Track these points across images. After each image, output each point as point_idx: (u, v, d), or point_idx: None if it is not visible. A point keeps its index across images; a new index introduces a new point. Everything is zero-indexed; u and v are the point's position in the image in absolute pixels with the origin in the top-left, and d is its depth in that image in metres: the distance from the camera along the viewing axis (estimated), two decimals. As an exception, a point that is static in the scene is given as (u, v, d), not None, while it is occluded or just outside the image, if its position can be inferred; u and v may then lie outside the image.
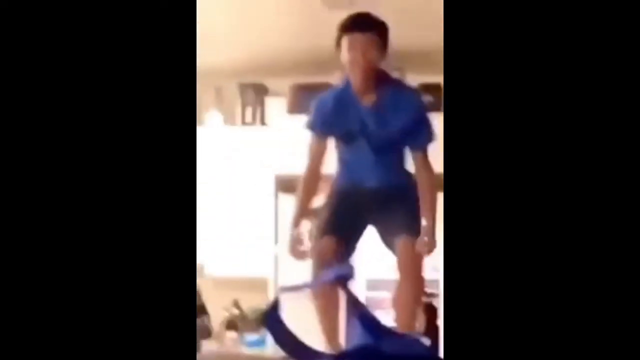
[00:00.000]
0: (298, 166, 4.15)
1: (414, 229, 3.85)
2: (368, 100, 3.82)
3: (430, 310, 5.27)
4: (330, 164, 4.06)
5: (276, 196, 6.47)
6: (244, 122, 6.88)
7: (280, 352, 1.27)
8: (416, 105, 3.95)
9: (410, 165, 3.99)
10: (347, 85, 3.88)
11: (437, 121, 3.96)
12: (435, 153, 5.05)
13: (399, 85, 3.97)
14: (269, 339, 1.23)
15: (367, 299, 5.16)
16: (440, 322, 5.34)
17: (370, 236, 4.02)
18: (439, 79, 6.51)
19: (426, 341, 4.87)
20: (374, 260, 4.20)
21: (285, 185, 6.27)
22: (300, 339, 1.26)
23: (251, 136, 6.74)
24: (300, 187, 4.02)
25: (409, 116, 3.84)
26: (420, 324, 4.93)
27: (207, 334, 4.98)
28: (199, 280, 5.35)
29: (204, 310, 5.08)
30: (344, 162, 4.02)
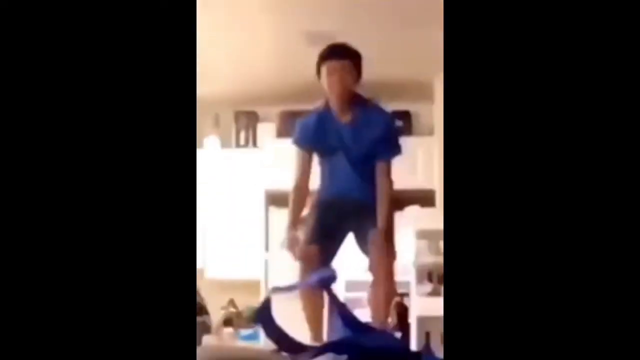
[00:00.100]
0: (286, 183, 4.20)
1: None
2: (345, 119, 3.90)
3: (402, 308, 5.28)
4: (314, 180, 4.08)
5: (267, 209, 6.48)
6: (238, 145, 6.90)
7: (271, 345, 1.26)
8: (386, 122, 4.01)
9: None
10: (327, 106, 3.96)
11: (404, 144, 4.09)
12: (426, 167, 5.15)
13: (371, 105, 4.02)
14: (261, 333, 1.23)
15: (346, 298, 5.14)
16: (410, 318, 5.34)
17: (349, 242, 4.04)
18: (408, 106, 6.55)
19: (398, 335, 4.87)
20: (352, 264, 4.20)
21: (274, 199, 6.28)
22: (289, 334, 1.25)
23: (245, 157, 6.78)
24: (291, 197, 4.04)
25: (379, 131, 3.90)
26: (392, 320, 4.92)
27: (207, 329, 4.96)
28: (199, 282, 5.33)
29: (204, 310, 5.06)
30: (325, 176, 4.05)
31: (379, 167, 3.92)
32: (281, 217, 5.33)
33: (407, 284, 5.36)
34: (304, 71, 4.08)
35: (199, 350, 0.95)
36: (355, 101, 3.93)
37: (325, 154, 4.00)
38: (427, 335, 5.40)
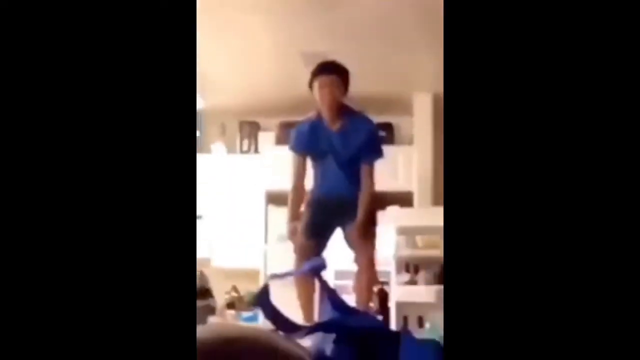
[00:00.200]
0: (283, 184, 4.28)
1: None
2: (334, 127, 3.93)
3: (383, 294, 5.27)
4: (309, 182, 4.11)
5: (266, 207, 6.47)
6: (242, 151, 6.90)
7: (269, 325, 1.26)
8: (370, 129, 4.04)
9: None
10: (318, 116, 4.00)
11: (386, 152, 4.15)
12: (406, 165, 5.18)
13: (357, 114, 4.05)
14: (260, 315, 1.22)
15: (335, 285, 5.13)
16: (391, 304, 5.34)
17: (338, 237, 4.06)
18: (390, 119, 6.55)
19: (379, 317, 4.87)
20: (340, 256, 4.22)
21: (273, 198, 6.28)
22: (284, 315, 1.25)
23: (247, 162, 6.77)
24: (290, 196, 4.09)
25: (364, 137, 3.94)
26: (375, 304, 4.93)
27: (212, 311, 4.95)
28: (206, 270, 5.32)
29: (210, 294, 5.04)
30: (317, 177, 4.07)
31: (364, 168, 3.94)
32: (279, 214, 5.34)
33: (387, 273, 5.37)
34: (300, 87, 4.09)
35: (205, 327, 0.95)
36: (344, 111, 3.97)
37: (318, 158, 4.03)
38: (405, 318, 5.40)
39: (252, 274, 6.10)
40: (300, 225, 3.98)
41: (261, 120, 6.86)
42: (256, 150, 6.83)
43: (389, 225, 5.20)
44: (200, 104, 6.46)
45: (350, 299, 3.92)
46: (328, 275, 5.26)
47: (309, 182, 4.13)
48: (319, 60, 4.15)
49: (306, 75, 4.07)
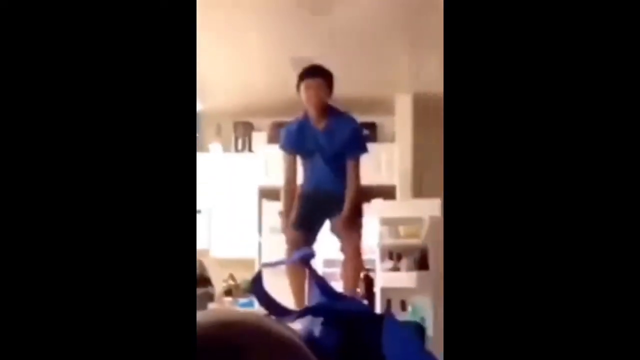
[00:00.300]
0: (275, 180, 4.35)
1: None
2: (320, 126, 3.94)
3: (368, 280, 5.29)
4: (299, 177, 4.13)
5: (260, 201, 6.47)
6: (236, 150, 6.89)
7: (263, 311, 1.26)
8: (353, 127, 4.05)
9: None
10: (305, 116, 4.01)
11: (370, 149, 4.19)
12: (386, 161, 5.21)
13: (341, 114, 4.06)
14: (256, 301, 1.24)
15: (324, 273, 5.15)
16: (375, 289, 5.35)
17: (326, 227, 4.07)
18: (374, 119, 6.56)
19: (365, 301, 4.88)
20: (329, 245, 4.23)
21: (266, 194, 6.27)
22: (277, 301, 1.25)
23: (242, 160, 6.77)
24: (282, 191, 4.11)
25: (348, 135, 3.95)
26: (361, 290, 4.94)
27: (211, 298, 4.95)
28: (205, 260, 5.32)
29: (209, 282, 5.04)
30: (307, 173, 4.08)
31: (349, 164, 3.95)
32: (271, 208, 5.34)
33: (372, 261, 5.37)
34: (290, 90, 4.09)
35: (203, 313, 0.95)
36: (329, 111, 3.99)
37: (306, 156, 4.05)
38: (389, 301, 5.41)
39: (248, 263, 6.09)
40: (290, 218, 3.99)
41: (254, 121, 6.86)
42: (250, 149, 6.83)
43: (373, 216, 5.20)
44: (198, 106, 6.45)
45: (338, 285, 3.94)
46: (317, 263, 5.27)
47: (299, 178, 4.14)
48: (307, 63, 4.16)
49: (295, 79, 4.07)
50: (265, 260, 6.04)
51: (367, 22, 4.72)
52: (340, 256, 4.08)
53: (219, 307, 4.85)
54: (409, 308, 5.36)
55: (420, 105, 6.23)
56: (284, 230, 4.00)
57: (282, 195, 4.09)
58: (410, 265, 5.41)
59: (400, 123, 6.34)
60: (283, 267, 3.90)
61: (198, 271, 5.03)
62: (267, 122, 6.67)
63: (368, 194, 4.83)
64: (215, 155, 6.81)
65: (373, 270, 5.39)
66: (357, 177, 3.96)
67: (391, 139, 6.46)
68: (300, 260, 2.51)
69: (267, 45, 5.17)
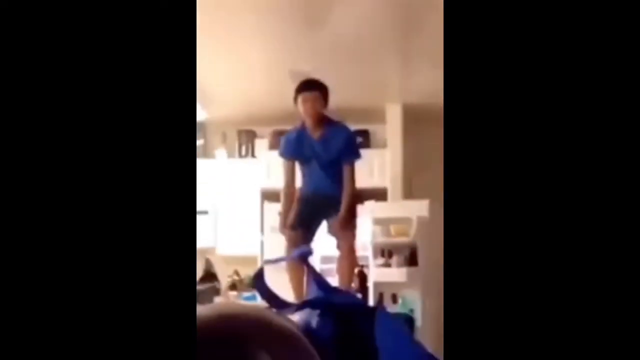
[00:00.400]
0: (276, 183, 4.37)
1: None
2: (317, 135, 3.95)
3: (362, 276, 5.28)
4: (297, 181, 4.14)
5: (262, 203, 6.46)
6: (240, 155, 6.88)
7: (265, 304, 1.26)
8: (347, 135, 4.06)
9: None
10: (303, 126, 4.02)
11: (363, 155, 4.22)
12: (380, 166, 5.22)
13: (336, 123, 4.07)
14: (258, 295, 1.23)
15: (321, 269, 5.14)
16: (369, 283, 5.34)
17: (323, 226, 4.07)
18: (367, 126, 6.55)
19: (359, 295, 4.88)
20: (326, 243, 4.23)
21: (267, 196, 6.26)
22: (277, 295, 1.24)
23: (245, 165, 6.75)
24: (282, 194, 4.13)
25: (343, 143, 3.96)
26: (355, 284, 4.93)
27: (217, 292, 4.94)
28: (212, 257, 5.31)
29: (215, 277, 5.03)
30: (304, 178, 4.09)
31: (345, 169, 3.97)
32: (273, 209, 5.34)
33: (366, 257, 5.37)
34: (290, 100, 4.09)
35: (208, 306, 0.94)
36: (324, 121, 4.00)
37: (304, 162, 4.06)
38: (381, 295, 5.40)
39: (251, 260, 6.08)
40: (290, 219, 3.99)
41: (257, 129, 6.85)
42: (253, 155, 6.82)
43: (366, 216, 5.20)
44: (204, 115, 6.45)
45: (334, 280, 3.94)
46: (315, 260, 5.26)
47: (298, 182, 4.16)
48: (305, 76, 4.17)
49: (293, 90, 4.08)
50: (267, 257, 6.03)
51: (361, 39, 4.73)
52: (336, 253, 4.08)
53: (224, 300, 4.84)
54: (400, 301, 5.36)
55: (409, 114, 6.24)
56: (281, 229, 4.01)
57: (281, 197, 4.11)
58: (401, 261, 5.41)
59: (391, 130, 6.34)
60: (283, 264, 3.90)
61: (205, 267, 5.02)
62: (268, 130, 6.67)
63: (362, 196, 4.82)
64: (221, 160, 6.80)
65: (366, 266, 5.38)
66: (352, 181, 3.97)
67: (383, 145, 6.46)
68: (299, 257, 2.51)
69: (268, 59, 5.17)
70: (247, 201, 6.54)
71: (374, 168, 6.17)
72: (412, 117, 6.22)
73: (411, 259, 5.36)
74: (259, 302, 1.66)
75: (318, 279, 1.27)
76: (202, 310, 0.88)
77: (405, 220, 5.41)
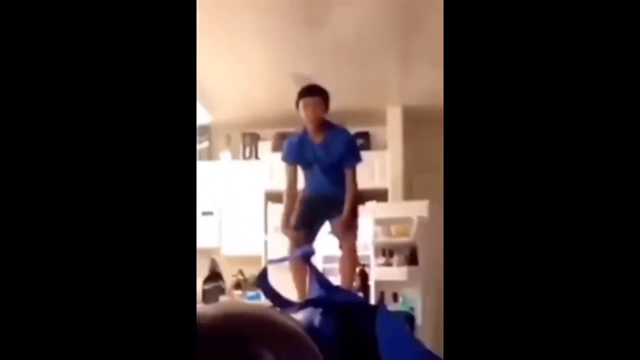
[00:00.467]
0: (279, 185, 4.37)
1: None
2: (318, 139, 3.95)
3: (363, 275, 5.28)
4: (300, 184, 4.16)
5: (266, 204, 6.46)
6: (244, 157, 6.88)
7: (269, 303, 1.25)
8: (348, 140, 4.07)
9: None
10: (304, 131, 4.02)
11: (364, 157, 4.22)
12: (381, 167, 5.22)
13: (337, 128, 4.07)
14: (262, 294, 1.23)
15: (323, 268, 5.14)
16: (370, 282, 5.34)
17: (325, 227, 4.07)
18: (367, 128, 6.56)
19: (360, 294, 4.87)
20: (328, 243, 4.23)
21: (271, 196, 6.26)
22: (280, 294, 1.24)
23: (249, 166, 6.75)
24: (284, 197, 4.14)
25: (344, 147, 3.96)
26: (356, 283, 4.93)
27: (222, 291, 4.94)
28: (217, 257, 5.32)
29: (220, 277, 5.04)
30: (306, 181, 4.10)
31: (347, 172, 3.97)
32: (276, 209, 5.34)
33: (367, 257, 5.36)
34: (292, 103, 4.09)
35: (212, 305, 0.94)
36: (325, 126, 3.99)
37: (306, 166, 4.08)
38: (382, 294, 5.40)
39: (255, 260, 6.08)
40: (292, 220, 3.99)
41: (260, 132, 6.86)
42: (256, 157, 6.83)
43: (367, 217, 5.20)
44: (209, 119, 6.45)
45: (336, 279, 3.95)
46: (317, 259, 5.26)
47: (300, 184, 4.17)
48: (307, 80, 4.17)
49: (296, 93, 4.08)
50: (270, 257, 6.03)
51: (361, 41, 4.73)
52: (339, 253, 4.08)
53: (229, 299, 4.84)
54: (400, 299, 5.36)
55: (409, 116, 6.24)
56: (283, 229, 4.01)
57: (284, 199, 4.12)
58: (401, 260, 5.41)
59: (392, 133, 6.34)
60: (286, 264, 3.90)
61: (210, 267, 5.03)
62: (271, 132, 6.67)
63: (363, 197, 4.82)
64: (225, 162, 6.81)
65: (368, 265, 5.38)
66: (354, 183, 3.98)
67: (383, 147, 6.46)
68: (302, 257, 2.51)
69: (271, 63, 5.17)
70: (251, 202, 6.54)
71: (375, 169, 6.17)
72: (412, 119, 6.22)
73: (411, 259, 5.36)
74: (263, 301, 1.65)
75: (320, 279, 1.26)
76: (207, 308, 0.88)
77: (406, 221, 5.41)
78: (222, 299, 4.72)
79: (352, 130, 6.25)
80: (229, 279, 5.47)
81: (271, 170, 6.16)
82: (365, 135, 6.52)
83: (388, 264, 5.46)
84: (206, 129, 6.82)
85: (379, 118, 6.30)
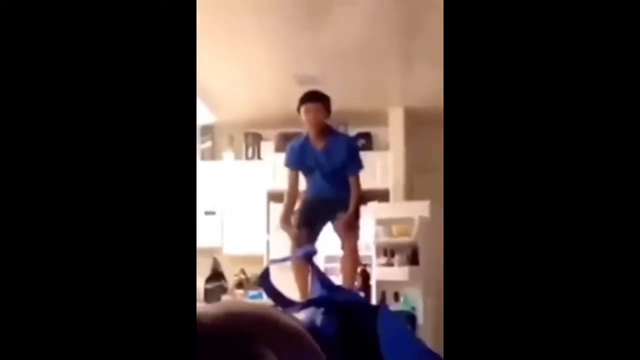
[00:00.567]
0: (281, 185, 4.36)
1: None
2: (320, 146, 3.96)
3: (365, 274, 5.28)
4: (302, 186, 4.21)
5: (268, 203, 6.46)
6: (247, 158, 6.88)
7: (271, 302, 1.25)
8: (350, 147, 4.09)
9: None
10: (306, 137, 4.06)
11: (366, 157, 4.18)
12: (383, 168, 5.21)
13: (339, 134, 4.11)
14: (264, 294, 1.23)
15: (325, 268, 5.14)
16: (371, 282, 5.34)
17: (328, 228, 4.07)
18: (369, 129, 6.56)
19: (362, 293, 4.88)
20: (330, 244, 4.24)
21: (273, 196, 6.26)
22: (282, 293, 1.24)
23: (252, 166, 6.75)
24: (284, 200, 4.18)
25: (345, 154, 3.97)
26: (358, 283, 4.93)
27: (224, 291, 4.94)
28: (219, 257, 5.31)
29: (222, 276, 5.04)
30: (308, 184, 4.14)
31: (351, 180, 4.00)
32: (278, 209, 5.33)
33: (369, 257, 5.37)
34: (294, 104, 4.10)
35: (214, 304, 0.94)
36: (327, 132, 4.03)
37: (307, 172, 4.11)
38: (383, 293, 5.40)
39: (257, 259, 6.09)
40: (293, 221, 4.05)
41: (263, 132, 6.86)
42: (259, 157, 6.83)
43: (369, 217, 5.20)
44: (212, 119, 6.46)
45: (338, 279, 3.96)
46: (319, 259, 5.27)
47: (302, 186, 4.21)
48: (310, 80, 4.18)
49: (299, 93, 4.08)
50: (272, 256, 6.04)
51: (363, 42, 4.73)
52: (340, 253, 4.09)
53: (231, 298, 4.85)
54: (401, 299, 5.36)
55: (411, 117, 6.24)
56: (282, 225, 4.04)
57: (284, 200, 4.15)
58: (403, 260, 5.41)
59: (393, 133, 6.34)
60: (289, 263, 3.90)
61: (212, 267, 5.03)
62: (274, 132, 6.67)
63: (365, 197, 4.83)
64: (228, 162, 6.81)
65: (369, 265, 5.38)
66: (358, 189, 4.00)
67: (385, 148, 6.46)
68: (304, 257, 2.52)
69: (274, 63, 5.17)
70: (253, 202, 6.54)
71: (377, 170, 6.17)
72: (414, 120, 6.22)
73: (413, 258, 5.36)
74: (265, 300, 1.65)
75: (322, 278, 1.26)
76: (209, 308, 0.88)
77: (407, 221, 5.41)
78: (225, 298, 4.72)
79: (354, 130, 6.31)
80: (231, 279, 5.47)
81: (274, 170, 6.16)
82: (367, 136, 6.52)
83: (389, 264, 5.46)
84: (209, 128, 6.82)
85: (381, 119, 6.30)
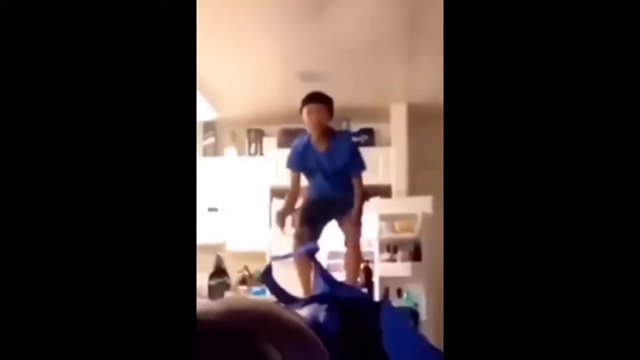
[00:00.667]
0: (284, 181, 4.35)
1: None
2: (322, 148, 3.97)
3: (368, 271, 5.28)
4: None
5: (270, 199, 6.46)
6: (249, 154, 6.88)
7: (273, 298, 1.26)
8: (352, 149, 4.06)
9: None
10: (308, 138, 4.04)
11: (369, 153, 4.14)
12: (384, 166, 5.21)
13: (341, 136, 4.12)
14: (267, 290, 1.23)
15: (328, 264, 5.14)
16: (374, 278, 5.35)
17: (331, 225, 4.09)
18: (372, 125, 6.55)
19: (365, 290, 4.88)
20: (333, 240, 4.25)
21: (276, 192, 6.26)
22: (285, 289, 1.24)
23: (254, 162, 6.75)
24: (285, 199, 4.22)
25: (347, 156, 3.97)
26: (361, 279, 4.94)
27: (228, 287, 4.95)
28: (222, 253, 5.32)
29: (225, 273, 5.04)
30: (310, 184, 4.17)
31: (354, 182, 4.00)
32: (281, 206, 5.33)
33: (371, 253, 5.37)
34: (297, 100, 4.09)
35: (217, 301, 0.94)
36: (329, 133, 4.02)
37: (309, 174, 4.13)
38: (386, 289, 5.40)
39: (260, 256, 6.08)
40: (296, 218, 4.08)
41: (265, 128, 6.85)
42: (261, 153, 6.82)
43: (372, 213, 5.20)
44: (214, 115, 6.45)
45: (341, 275, 3.96)
46: (322, 255, 5.27)
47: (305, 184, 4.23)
48: (312, 77, 4.17)
49: (301, 89, 4.08)
50: (275, 253, 6.03)
51: (366, 38, 4.72)
52: (343, 249, 4.10)
53: (234, 295, 4.85)
54: (404, 295, 5.36)
55: (413, 113, 6.23)
56: (278, 224, 4.07)
57: (286, 198, 4.18)
58: (405, 256, 5.42)
59: (396, 129, 6.33)
60: (291, 260, 3.91)
61: (216, 263, 5.04)
62: (276, 128, 6.67)
63: (367, 193, 4.83)
64: (231, 158, 6.81)
65: (372, 261, 5.39)
66: (361, 189, 4.01)
67: (387, 143, 6.45)
68: (307, 254, 2.51)
69: (276, 60, 5.17)
70: (256, 198, 6.54)
71: (379, 166, 6.16)
72: (416, 116, 6.22)
73: (415, 254, 5.37)
74: (268, 296, 1.66)
75: (325, 275, 1.27)
76: (212, 304, 0.88)
77: (410, 217, 5.41)
78: (228, 294, 4.73)
79: (357, 126, 6.30)
80: (234, 275, 5.48)
81: (276, 166, 6.15)
82: (369, 132, 6.51)
83: (392, 260, 5.47)
84: (212, 125, 6.82)
85: (383, 115, 6.29)
